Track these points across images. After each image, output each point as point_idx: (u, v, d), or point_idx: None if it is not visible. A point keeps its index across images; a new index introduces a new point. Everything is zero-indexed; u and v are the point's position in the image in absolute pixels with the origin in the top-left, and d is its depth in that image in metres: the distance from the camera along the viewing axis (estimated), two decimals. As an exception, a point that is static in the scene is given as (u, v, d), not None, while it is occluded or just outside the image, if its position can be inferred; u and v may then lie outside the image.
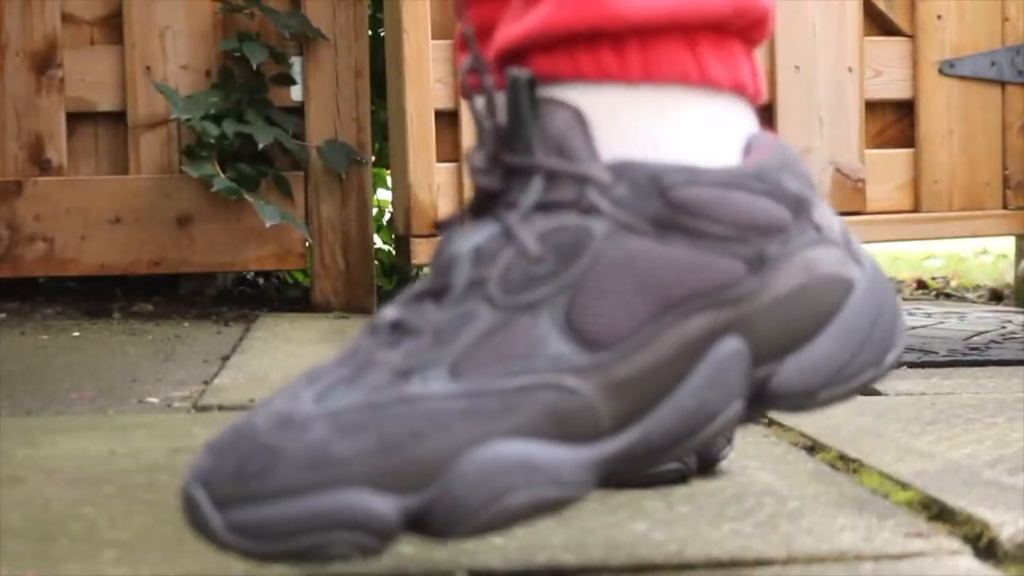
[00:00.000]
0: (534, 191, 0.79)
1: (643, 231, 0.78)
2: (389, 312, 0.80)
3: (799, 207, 0.81)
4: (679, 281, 0.78)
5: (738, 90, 0.83)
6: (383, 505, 0.74)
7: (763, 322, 0.79)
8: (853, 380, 0.82)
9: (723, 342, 0.78)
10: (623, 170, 0.78)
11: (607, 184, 0.78)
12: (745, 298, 0.79)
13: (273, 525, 0.74)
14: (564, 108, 0.80)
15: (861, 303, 0.82)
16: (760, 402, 0.81)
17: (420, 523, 0.75)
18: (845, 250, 0.83)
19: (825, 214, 0.83)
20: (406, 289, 0.82)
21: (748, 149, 0.82)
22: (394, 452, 0.75)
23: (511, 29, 0.84)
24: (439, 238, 0.84)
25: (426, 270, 1.08)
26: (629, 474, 0.98)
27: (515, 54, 0.85)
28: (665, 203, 0.78)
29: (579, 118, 0.80)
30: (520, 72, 0.80)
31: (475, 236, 0.80)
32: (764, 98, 0.85)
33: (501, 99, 0.82)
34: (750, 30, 0.84)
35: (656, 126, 0.81)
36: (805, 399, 0.81)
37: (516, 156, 0.80)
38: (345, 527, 0.74)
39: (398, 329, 0.79)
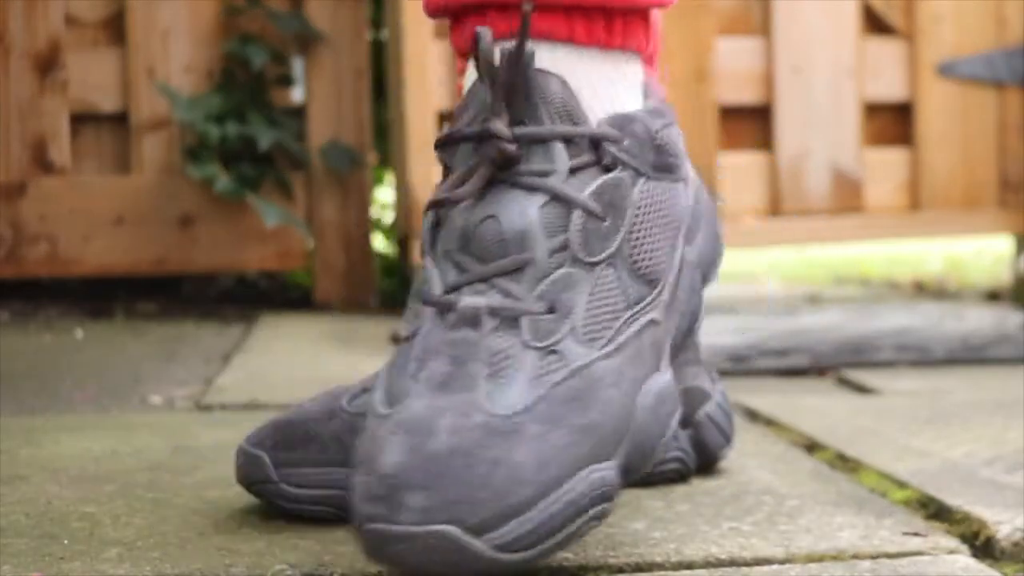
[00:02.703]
0: (562, 157, 0.85)
1: (647, 174, 0.88)
2: (468, 300, 0.82)
3: None
4: (673, 210, 0.90)
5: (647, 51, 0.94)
6: (609, 472, 0.80)
7: (691, 227, 0.94)
8: (720, 252, 0.99)
9: (686, 249, 0.93)
10: (623, 124, 0.87)
11: (617, 139, 0.86)
12: (688, 212, 0.93)
13: (536, 531, 0.76)
14: (553, 77, 0.86)
15: (710, 196, 1.00)
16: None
17: (627, 473, 0.82)
18: None
19: None
20: (447, 279, 0.83)
21: (647, 91, 0.93)
22: (598, 421, 0.80)
23: None
24: (441, 221, 0.86)
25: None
26: None
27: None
28: (657, 147, 0.89)
29: (566, 84, 0.86)
30: (525, 45, 0.83)
31: (524, 209, 0.83)
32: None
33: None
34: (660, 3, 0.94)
35: (612, 85, 0.89)
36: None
37: (529, 126, 0.85)
38: (592, 505, 0.78)
39: (500, 314, 0.81)
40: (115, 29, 2.50)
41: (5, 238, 2.45)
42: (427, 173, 2.34)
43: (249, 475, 0.99)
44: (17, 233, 2.45)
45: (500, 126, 0.84)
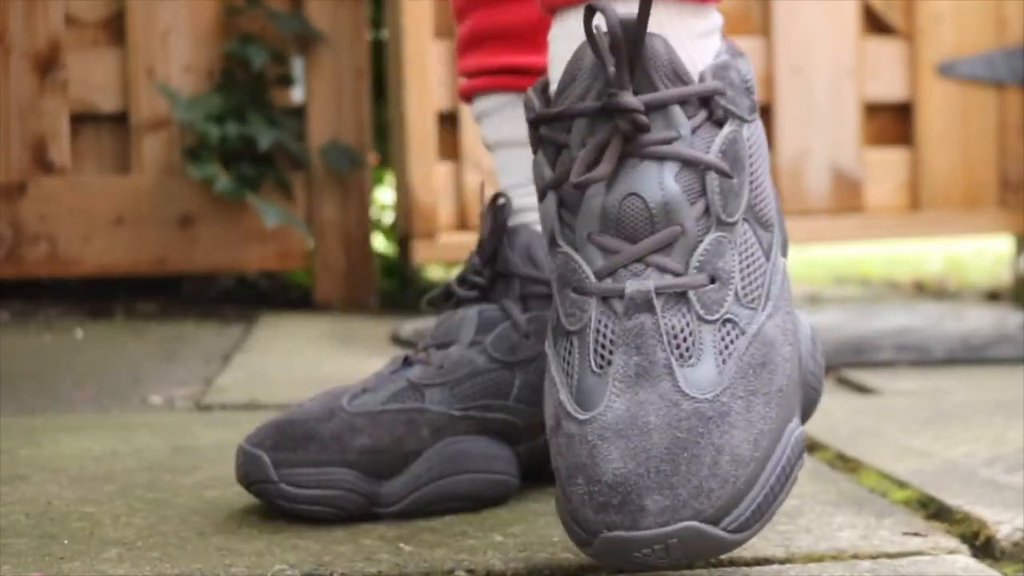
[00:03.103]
0: (682, 120, 0.83)
1: (747, 119, 0.86)
2: (634, 284, 0.81)
3: None
4: (765, 146, 0.89)
5: None
6: (799, 428, 0.83)
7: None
8: None
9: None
10: (722, 75, 0.85)
11: (723, 91, 0.84)
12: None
13: (761, 506, 0.79)
14: (657, 37, 0.83)
15: None
16: None
17: (804, 421, 0.86)
18: None
19: None
20: (595, 264, 0.82)
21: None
22: (785, 382, 0.82)
23: None
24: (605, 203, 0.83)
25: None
26: None
27: None
28: (747, 90, 0.86)
29: (668, 44, 0.83)
30: (648, 15, 0.81)
31: (662, 180, 0.82)
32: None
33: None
34: None
35: (703, 38, 0.86)
36: None
37: (646, 93, 0.83)
38: (795, 463, 0.81)
39: (667, 293, 0.81)
40: (115, 29, 2.49)
41: (5, 238, 2.45)
42: (427, 173, 2.34)
43: (249, 475, 0.99)
44: (17, 233, 2.45)
45: (630, 98, 0.81)
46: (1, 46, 2.46)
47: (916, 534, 0.95)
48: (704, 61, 0.86)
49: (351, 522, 0.98)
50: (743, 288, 0.83)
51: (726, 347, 0.81)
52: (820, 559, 0.90)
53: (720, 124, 0.84)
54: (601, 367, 0.80)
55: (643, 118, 0.81)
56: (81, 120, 2.49)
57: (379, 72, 2.76)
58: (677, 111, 0.83)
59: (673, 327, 0.80)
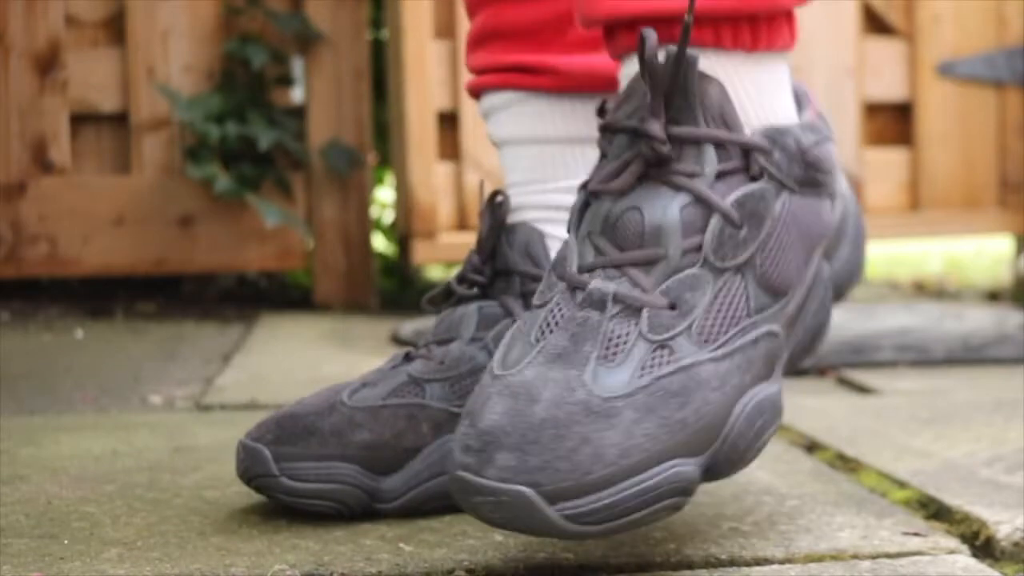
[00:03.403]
0: (711, 160, 0.86)
1: (792, 188, 0.89)
2: (597, 284, 0.85)
3: None
4: (813, 226, 0.91)
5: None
6: (690, 468, 0.82)
7: (832, 244, 0.96)
8: (859, 271, 1.02)
9: (822, 265, 0.94)
10: (775, 136, 0.89)
11: (767, 150, 0.87)
12: (831, 229, 0.94)
13: (607, 510, 0.79)
14: (713, 81, 0.87)
15: (859, 214, 1.03)
16: None
17: (710, 474, 0.85)
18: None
19: None
20: (584, 259, 0.87)
21: (799, 100, 0.95)
22: (692, 419, 0.82)
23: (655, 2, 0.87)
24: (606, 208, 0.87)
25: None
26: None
27: (654, 21, 0.87)
28: (806, 163, 0.90)
29: (724, 90, 0.87)
30: (690, 50, 0.85)
31: (667, 206, 0.85)
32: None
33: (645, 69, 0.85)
34: None
35: (767, 93, 0.90)
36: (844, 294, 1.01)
37: (684, 127, 0.86)
38: (667, 496, 0.81)
39: (624, 302, 0.84)
40: (115, 29, 2.50)
41: (5, 238, 2.45)
42: (427, 173, 2.34)
43: (249, 469, 0.99)
44: (17, 233, 2.45)
45: (655, 127, 0.85)
46: (1, 46, 2.46)
47: (916, 534, 0.95)
48: (764, 116, 0.89)
49: (351, 522, 0.98)
50: (701, 325, 0.84)
51: (651, 365, 0.82)
52: (820, 559, 0.90)
53: (754, 179, 0.87)
54: (538, 340, 0.84)
55: (663, 148, 0.85)
56: (81, 120, 2.49)
57: (379, 72, 2.76)
58: (710, 151, 0.86)
59: (613, 331, 0.83)
